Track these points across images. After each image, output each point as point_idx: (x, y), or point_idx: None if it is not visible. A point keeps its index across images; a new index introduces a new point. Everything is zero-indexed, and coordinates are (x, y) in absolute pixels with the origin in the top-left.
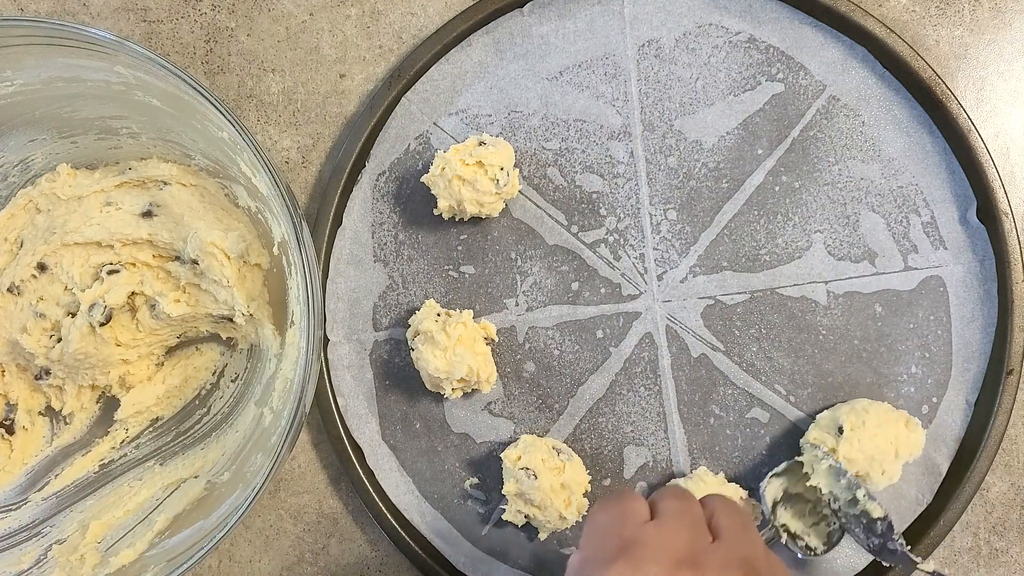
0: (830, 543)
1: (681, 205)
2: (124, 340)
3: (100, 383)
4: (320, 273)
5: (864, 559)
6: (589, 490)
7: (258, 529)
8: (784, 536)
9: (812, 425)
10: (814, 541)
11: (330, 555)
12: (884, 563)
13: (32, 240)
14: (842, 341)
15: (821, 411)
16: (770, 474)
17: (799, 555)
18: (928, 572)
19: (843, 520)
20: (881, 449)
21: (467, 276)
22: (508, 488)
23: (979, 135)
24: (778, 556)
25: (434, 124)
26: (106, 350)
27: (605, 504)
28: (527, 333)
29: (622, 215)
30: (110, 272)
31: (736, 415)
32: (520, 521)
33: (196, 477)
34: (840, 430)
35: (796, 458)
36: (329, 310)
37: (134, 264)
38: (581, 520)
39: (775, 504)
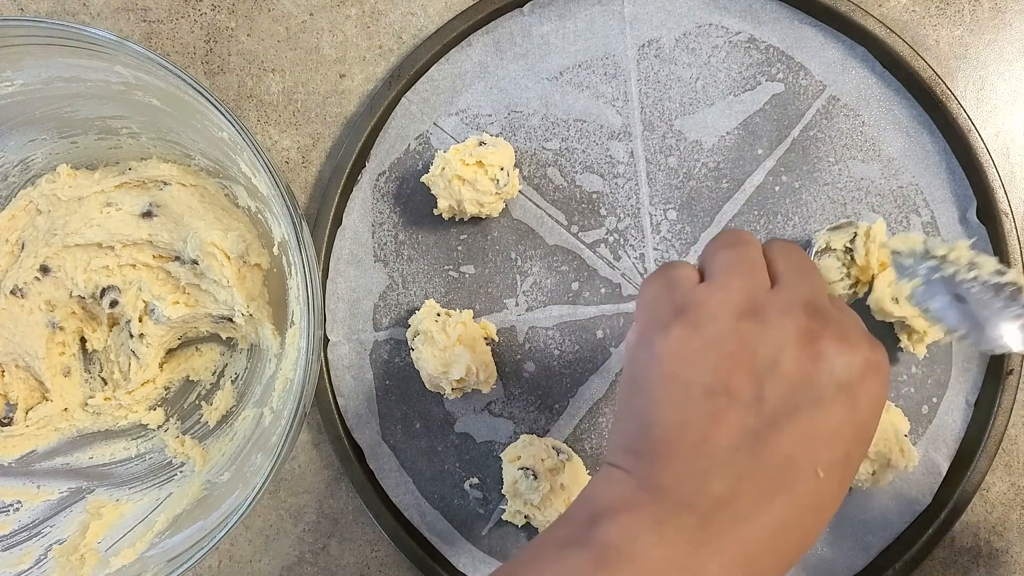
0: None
1: (681, 205)
2: None
3: None
4: (320, 273)
5: (863, 559)
6: None
7: (258, 529)
8: None
9: None
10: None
11: (330, 555)
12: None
13: (33, 242)
14: None
15: None
16: (827, 228)
17: None
18: None
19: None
20: (879, 451)
21: (467, 276)
22: (508, 488)
23: (979, 135)
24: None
25: (434, 124)
26: None
27: (651, 278)
28: (527, 333)
29: (622, 215)
30: (112, 304)
31: None
32: (520, 521)
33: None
34: None
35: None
36: (329, 310)
37: (133, 266)
38: None
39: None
